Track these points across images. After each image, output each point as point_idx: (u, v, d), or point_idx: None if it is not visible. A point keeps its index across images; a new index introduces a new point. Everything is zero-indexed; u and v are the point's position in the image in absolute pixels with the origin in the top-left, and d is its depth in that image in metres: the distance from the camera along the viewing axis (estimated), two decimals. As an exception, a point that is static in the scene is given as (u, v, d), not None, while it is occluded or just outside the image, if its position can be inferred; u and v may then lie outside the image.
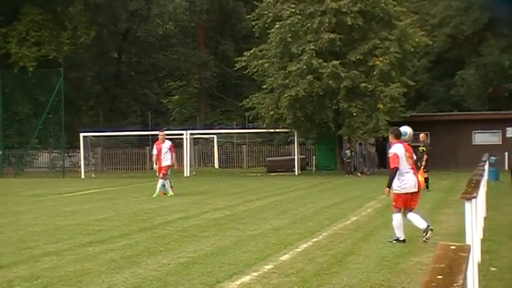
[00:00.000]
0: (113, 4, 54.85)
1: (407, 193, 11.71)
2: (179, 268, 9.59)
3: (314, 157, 42.78)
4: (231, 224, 14.72)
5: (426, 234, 11.52)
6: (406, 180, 11.71)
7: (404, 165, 11.74)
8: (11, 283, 8.59)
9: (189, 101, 60.63)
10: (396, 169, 11.66)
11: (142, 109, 58.65)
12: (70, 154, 47.28)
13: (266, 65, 37.82)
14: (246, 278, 8.91)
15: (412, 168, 11.89)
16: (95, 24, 51.31)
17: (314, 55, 35.51)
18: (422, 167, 21.32)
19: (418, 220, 11.72)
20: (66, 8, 49.71)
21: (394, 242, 11.60)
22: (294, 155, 39.98)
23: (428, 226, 11.61)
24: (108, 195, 24.35)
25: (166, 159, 22.76)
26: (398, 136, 12.13)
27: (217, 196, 23.08)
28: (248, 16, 41.52)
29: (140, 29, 60.82)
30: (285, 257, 10.47)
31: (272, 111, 37.26)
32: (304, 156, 42.47)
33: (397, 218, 11.69)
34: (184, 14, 57.65)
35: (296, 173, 38.01)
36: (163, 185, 22.60)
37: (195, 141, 44.20)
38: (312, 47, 35.54)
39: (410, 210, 11.82)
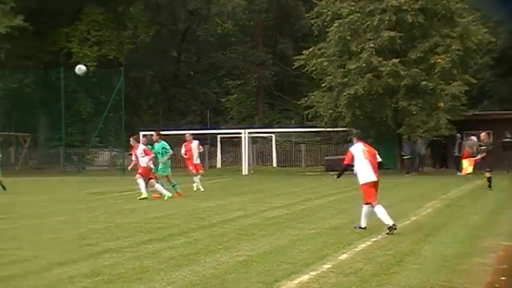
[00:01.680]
0: (172, 4, 55.34)
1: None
2: (237, 266, 9.58)
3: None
4: (289, 222, 14.66)
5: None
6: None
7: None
8: (73, 279, 8.69)
9: (248, 100, 60.75)
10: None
11: (201, 108, 58.98)
12: (130, 153, 47.80)
13: (325, 64, 37.61)
14: (304, 277, 8.84)
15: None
16: (155, 23, 51.82)
17: (374, 53, 35.19)
18: (474, 158, 23.87)
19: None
20: (127, 7, 50.36)
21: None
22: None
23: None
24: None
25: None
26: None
27: (275, 195, 23.04)
28: (307, 14, 41.36)
29: (199, 28, 61.20)
30: (344, 257, 10.36)
31: (331, 110, 37.06)
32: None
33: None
34: (243, 13, 57.77)
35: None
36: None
37: (253, 140, 44.24)
38: (372, 45, 35.22)
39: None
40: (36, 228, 14.03)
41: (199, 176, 25.45)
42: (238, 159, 43.46)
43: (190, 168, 25.73)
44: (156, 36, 51.14)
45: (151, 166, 22.03)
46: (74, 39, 46.60)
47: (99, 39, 46.88)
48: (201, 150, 26.69)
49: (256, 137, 45.83)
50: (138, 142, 22.60)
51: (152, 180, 21.67)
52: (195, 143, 26.12)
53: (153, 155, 22.17)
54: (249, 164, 40.18)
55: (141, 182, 21.51)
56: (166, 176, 22.57)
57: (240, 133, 41.08)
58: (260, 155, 47.14)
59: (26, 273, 9.04)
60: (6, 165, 44.74)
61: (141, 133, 41.87)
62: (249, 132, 41.61)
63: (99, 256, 10.46)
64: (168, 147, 22.77)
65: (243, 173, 38.75)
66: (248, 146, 40.92)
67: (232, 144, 46.73)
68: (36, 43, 46.90)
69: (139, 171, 21.73)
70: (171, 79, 60.26)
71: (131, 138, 22.77)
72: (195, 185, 25.17)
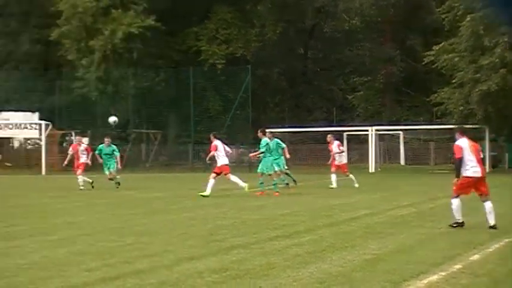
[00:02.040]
0: (300, 1, 55.40)
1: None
2: (364, 265, 9.43)
3: (507, 154, 40.90)
4: (417, 221, 14.34)
5: None
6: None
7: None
8: (201, 274, 8.80)
9: (374, 97, 59.99)
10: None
11: (327, 105, 58.79)
12: (256, 149, 48.26)
13: (456, 59, 36.63)
14: (434, 277, 8.58)
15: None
16: (282, 21, 52.07)
17: (507, 48, 33.92)
18: None
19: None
20: (254, 6, 50.87)
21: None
22: (485, 152, 38.41)
23: None
24: (293, 190, 24.55)
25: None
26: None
27: (402, 193, 22.63)
28: (438, 9, 40.39)
29: (326, 25, 61.01)
30: (475, 257, 10.00)
31: (462, 107, 36.06)
32: (495, 153, 40.70)
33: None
34: (371, 8, 57.10)
35: (487, 171, 36.47)
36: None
37: (380, 138, 43.67)
38: (506, 40, 33.96)
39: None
40: (166, 224, 14.36)
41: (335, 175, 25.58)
42: (364, 156, 43.02)
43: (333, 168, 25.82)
44: (283, 33, 51.39)
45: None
46: (203, 38, 47.52)
47: (227, 37, 47.60)
48: (341, 151, 26.43)
49: (383, 134, 45.21)
50: (216, 138, 22.70)
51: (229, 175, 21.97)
52: (336, 142, 26.44)
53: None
54: (376, 162, 39.68)
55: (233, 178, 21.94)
56: (275, 172, 23.03)
57: (367, 130, 40.63)
58: (387, 153, 46.49)
59: (156, 268, 9.24)
60: (136, 162, 46.38)
61: (267, 130, 42.20)
62: (376, 130, 41.10)
63: (227, 252, 10.56)
64: (283, 144, 23.50)
65: (370, 171, 38.31)
66: (375, 143, 40.43)
67: (359, 141, 46.32)
68: (167, 42, 48.21)
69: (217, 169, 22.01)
70: (297, 76, 60.40)
71: (211, 135, 23.07)
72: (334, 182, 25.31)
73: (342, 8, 58.34)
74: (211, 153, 22.23)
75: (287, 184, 25.11)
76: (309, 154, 47.42)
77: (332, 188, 24.75)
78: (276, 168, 23.18)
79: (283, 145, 24.06)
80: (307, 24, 60.87)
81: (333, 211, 16.65)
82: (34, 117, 43.50)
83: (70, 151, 26.99)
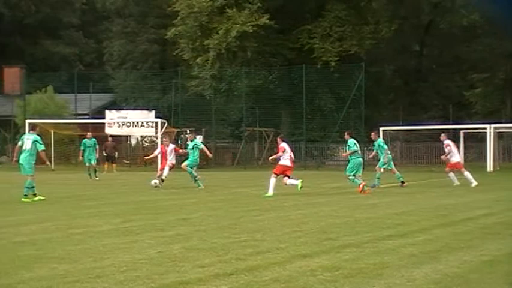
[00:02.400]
0: (417, -3, 54.44)
1: None
2: (482, 266, 9.13)
3: None
4: (539, 223, 13.80)
5: None
6: None
7: None
8: (314, 272, 8.76)
9: (494, 94, 58.13)
10: None
11: (443, 102, 57.49)
12: (370, 148, 47.83)
13: None
14: (557, 282, 8.22)
15: None
16: (397, 17, 51.29)
17: None
18: None
19: None
20: (369, 2, 50.32)
21: None
22: None
23: None
24: (407, 189, 24.15)
25: None
26: None
27: (523, 193, 21.85)
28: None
29: (443, 21, 59.64)
30: None
31: None
32: None
33: None
34: (491, 3, 55.32)
35: None
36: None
37: (499, 135, 42.33)
38: None
39: None
40: (279, 221, 14.38)
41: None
42: (482, 155, 41.82)
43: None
44: (397, 30, 50.62)
45: None
46: (316, 35, 47.41)
47: (341, 35, 47.32)
48: (448, 151, 25.95)
49: (503, 132, 43.79)
50: (283, 141, 22.38)
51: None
52: (446, 142, 26.18)
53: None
54: (494, 160, 38.49)
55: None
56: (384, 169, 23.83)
57: (485, 128, 39.46)
58: (507, 151, 45.00)
59: (268, 265, 9.26)
60: (249, 159, 46.80)
61: (381, 128, 41.77)
62: (495, 128, 39.85)
63: (339, 250, 10.47)
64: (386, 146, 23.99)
65: (488, 170, 37.19)
66: (494, 141, 39.22)
67: (476, 139, 45.06)
68: (280, 41, 48.42)
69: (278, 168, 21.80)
70: (412, 73, 59.37)
71: (278, 137, 22.92)
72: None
73: (460, 3, 56.82)
74: (278, 155, 22.06)
75: (402, 182, 24.91)
76: (424, 152, 46.53)
77: (457, 185, 24.36)
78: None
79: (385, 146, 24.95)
80: (423, 20, 59.69)
81: (448, 210, 16.25)
82: (151, 115, 44.62)
83: (157, 152, 27.69)
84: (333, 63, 45.72)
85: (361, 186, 21.73)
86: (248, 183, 27.66)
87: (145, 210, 16.78)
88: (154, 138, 45.11)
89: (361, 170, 22.92)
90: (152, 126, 43.64)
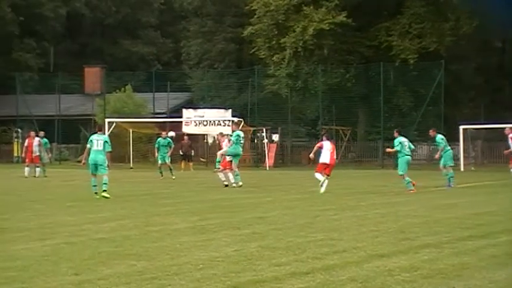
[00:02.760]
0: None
1: None
2: None
3: None
4: None
5: None
6: None
7: None
8: (391, 272, 8.63)
9: None
10: None
11: (527, 100, 55.91)
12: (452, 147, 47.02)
13: None
14: None
15: None
16: (478, 13, 50.16)
17: None
18: None
19: None
20: (449, -2, 49.39)
21: None
22: None
23: None
24: (489, 189, 23.62)
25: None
26: None
27: None
28: None
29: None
30: None
31: None
32: None
33: None
34: None
35: None
36: None
37: None
38: None
39: None
40: (356, 220, 14.23)
41: None
42: None
43: None
44: (478, 26, 49.47)
45: None
46: (394, 32, 46.82)
47: (420, 32, 46.59)
48: None
49: None
50: (327, 139, 23.01)
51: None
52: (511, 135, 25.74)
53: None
54: None
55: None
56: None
57: None
58: None
59: (345, 264, 9.16)
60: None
61: (461, 127, 40.95)
62: None
63: (418, 250, 10.28)
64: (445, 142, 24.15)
65: None
66: None
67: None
68: (357, 38, 48.04)
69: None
70: (494, 71, 57.97)
71: (324, 136, 23.85)
72: None
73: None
74: (315, 149, 23.00)
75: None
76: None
77: None
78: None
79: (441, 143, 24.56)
80: (505, 16, 58.24)
81: (533, 212, 15.79)
82: (227, 114, 44.88)
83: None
84: (411, 61, 45.05)
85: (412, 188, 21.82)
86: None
87: (221, 208, 16.86)
88: (231, 137, 45.31)
89: (405, 168, 22.74)
90: (228, 125, 43.80)
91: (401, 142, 22.86)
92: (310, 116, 53.46)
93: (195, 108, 47.66)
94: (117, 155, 44.89)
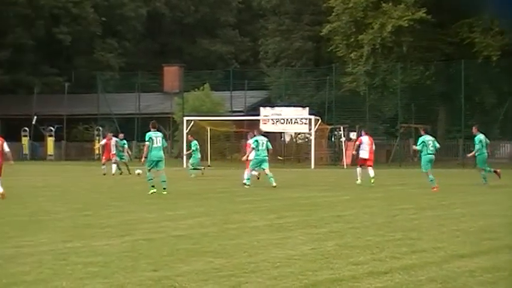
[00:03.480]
0: None
1: None
2: None
3: None
4: None
5: None
6: None
7: None
8: (473, 273, 8.45)
9: None
10: None
11: None
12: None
13: None
14: None
15: None
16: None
17: None
18: None
19: None
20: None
21: None
22: None
23: None
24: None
25: None
26: None
27: None
28: None
29: None
30: None
31: None
32: None
33: None
34: None
35: None
36: None
37: None
38: None
39: None
40: (436, 220, 13.99)
41: None
42: None
43: None
44: None
45: None
46: (477, 29, 45.81)
47: (503, 28, 45.47)
48: None
49: None
50: (367, 134, 25.33)
51: None
52: None
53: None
54: None
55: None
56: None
57: None
58: None
59: (425, 264, 9.02)
60: (404, 156, 45.95)
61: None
62: None
63: (500, 251, 10.05)
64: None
65: None
66: None
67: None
68: (437, 35, 47.19)
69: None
70: None
71: (362, 131, 25.35)
72: None
73: None
74: (356, 144, 25.49)
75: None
76: None
77: None
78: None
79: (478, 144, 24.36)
80: None
81: None
82: (304, 112, 44.80)
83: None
84: (494, 58, 43.98)
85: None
86: (403, 181, 27.17)
87: (298, 206, 16.83)
88: (308, 135, 45.26)
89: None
90: (306, 123, 43.80)
91: (425, 141, 22.90)
92: (389, 114, 52.83)
93: (272, 106, 47.74)
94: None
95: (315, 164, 41.50)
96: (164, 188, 20.32)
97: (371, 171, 24.46)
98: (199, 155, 31.60)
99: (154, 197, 19.45)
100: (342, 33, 48.61)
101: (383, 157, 45.52)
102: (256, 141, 24.14)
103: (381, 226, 12.91)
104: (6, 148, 19.38)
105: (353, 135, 47.48)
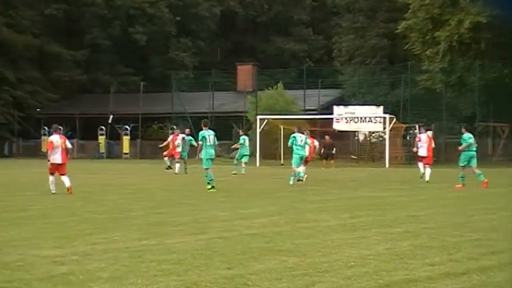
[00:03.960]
0: None
1: None
2: None
3: None
4: None
5: None
6: None
7: None
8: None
9: None
10: None
11: None
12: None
13: None
14: None
15: None
16: None
17: None
18: None
19: None
20: None
21: None
22: None
23: None
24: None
25: None
26: None
27: None
28: None
29: None
30: None
31: None
32: None
33: None
34: None
35: None
36: None
37: None
38: None
39: None
40: (513, 220, 13.67)
41: None
42: None
43: None
44: None
45: None
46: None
47: None
48: None
49: None
50: (427, 130, 26.65)
51: None
52: None
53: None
54: None
55: None
56: None
57: None
58: None
59: (503, 265, 8.81)
60: (483, 156, 44.96)
61: None
62: None
63: None
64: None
65: None
66: None
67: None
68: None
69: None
70: None
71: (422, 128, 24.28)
72: None
73: None
74: (416, 143, 26.64)
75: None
76: None
77: None
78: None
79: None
80: None
81: None
82: (378, 110, 44.33)
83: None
84: None
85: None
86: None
87: (372, 206, 16.63)
88: (382, 134, 44.78)
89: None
90: (380, 122, 43.34)
91: (471, 139, 22.98)
92: (466, 112, 51.76)
93: (346, 105, 47.43)
94: (267, 152, 45.56)
95: (390, 163, 41.04)
96: (213, 186, 20.83)
97: (427, 171, 24.91)
98: (247, 150, 31.70)
99: (227, 195, 19.55)
100: (418, 30, 47.95)
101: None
102: (294, 137, 24.49)
103: (458, 226, 12.64)
104: (68, 145, 20.68)
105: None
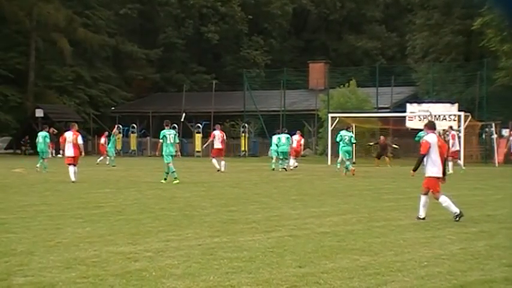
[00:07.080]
0: None
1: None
2: None
3: None
4: None
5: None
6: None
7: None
8: None
9: None
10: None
11: None
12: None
13: None
14: None
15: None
16: None
17: None
18: None
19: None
20: None
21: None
22: None
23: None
24: None
25: None
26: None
27: None
28: None
29: None
30: None
31: None
32: None
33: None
34: None
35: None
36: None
37: None
38: None
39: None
40: None
41: None
42: None
43: None
44: None
45: None
46: None
47: None
48: None
49: None
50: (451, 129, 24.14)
51: None
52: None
53: None
54: None
55: None
56: None
57: None
58: None
59: None
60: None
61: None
62: None
63: None
64: None
65: None
66: None
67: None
68: None
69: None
70: None
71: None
72: None
73: None
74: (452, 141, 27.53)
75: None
76: None
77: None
78: None
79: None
80: None
81: None
82: (453, 108, 43.48)
83: None
84: None
85: None
86: None
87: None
88: (458, 132, 43.94)
89: None
90: (455, 120, 42.52)
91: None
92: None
93: (419, 102, 46.72)
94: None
95: (465, 161, 40.25)
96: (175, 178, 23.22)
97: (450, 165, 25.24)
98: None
99: (299, 194, 19.50)
100: (495, 27, 46.85)
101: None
102: (341, 136, 28.59)
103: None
104: (80, 141, 23.97)
105: (505, 132, 45.69)
